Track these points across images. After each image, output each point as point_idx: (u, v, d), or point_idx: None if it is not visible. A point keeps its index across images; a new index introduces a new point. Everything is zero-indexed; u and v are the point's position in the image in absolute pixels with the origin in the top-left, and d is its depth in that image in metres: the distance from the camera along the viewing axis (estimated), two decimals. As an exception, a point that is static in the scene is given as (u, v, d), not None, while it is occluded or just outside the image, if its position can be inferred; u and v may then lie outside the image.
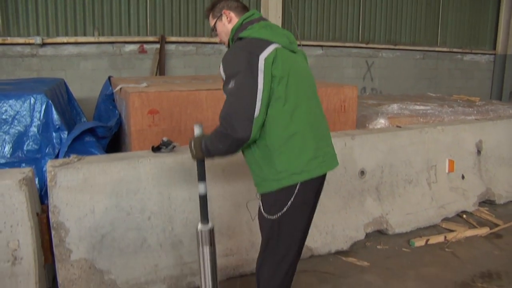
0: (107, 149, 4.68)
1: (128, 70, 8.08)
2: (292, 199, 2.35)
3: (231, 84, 2.20)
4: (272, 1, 8.90)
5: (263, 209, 2.42)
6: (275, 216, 2.37)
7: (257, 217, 2.52)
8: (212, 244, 2.56)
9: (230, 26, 2.48)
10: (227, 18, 2.49)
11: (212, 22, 2.55)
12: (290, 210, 2.37)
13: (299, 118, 2.33)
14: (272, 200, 2.37)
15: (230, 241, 3.50)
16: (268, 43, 2.28)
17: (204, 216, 2.56)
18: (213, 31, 2.57)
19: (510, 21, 12.14)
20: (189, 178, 3.36)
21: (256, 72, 2.19)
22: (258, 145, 2.32)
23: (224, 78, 2.27)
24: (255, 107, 2.18)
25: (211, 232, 2.56)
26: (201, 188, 2.54)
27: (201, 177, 2.53)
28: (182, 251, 3.34)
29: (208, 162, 3.15)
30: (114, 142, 5.14)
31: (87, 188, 3.06)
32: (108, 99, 5.58)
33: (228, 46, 2.53)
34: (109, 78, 6.03)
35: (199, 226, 2.55)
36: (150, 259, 3.25)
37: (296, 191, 2.34)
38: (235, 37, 2.43)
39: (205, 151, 2.37)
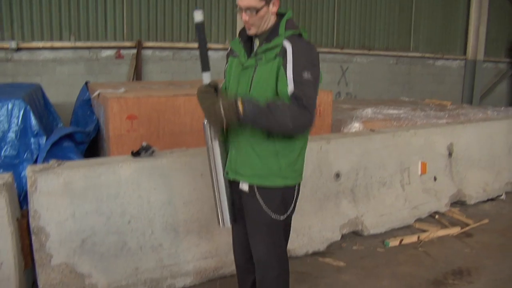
0: (85, 155, 4.68)
1: (105, 75, 8.05)
2: (295, 196, 2.54)
3: (308, 75, 2.27)
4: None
5: (270, 209, 2.45)
6: (284, 216, 2.50)
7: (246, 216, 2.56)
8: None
9: (272, 16, 2.41)
10: (273, 5, 2.37)
11: (260, 3, 2.30)
12: (294, 207, 2.56)
13: None
14: (278, 199, 2.46)
15: (209, 244, 3.55)
16: None
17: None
18: (254, 12, 2.31)
19: (479, 28, 12.52)
20: (168, 182, 3.42)
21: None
22: (285, 141, 2.39)
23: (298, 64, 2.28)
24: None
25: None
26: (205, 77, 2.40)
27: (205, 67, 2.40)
28: (162, 254, 3.38)
29: (185, 166, 3.14)
30: (92, 148, 5.14)
31: (67, 193, 3.08)
32: (86, 105, 5.58)
33: (255, 34, 2.41)
34: (86, 83, 6.02)
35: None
36: (131, 262, 3.28)
37: (297, 188, 2.54)
38: (289, 27, 2.38)
39: (250, 111, 2.18)
